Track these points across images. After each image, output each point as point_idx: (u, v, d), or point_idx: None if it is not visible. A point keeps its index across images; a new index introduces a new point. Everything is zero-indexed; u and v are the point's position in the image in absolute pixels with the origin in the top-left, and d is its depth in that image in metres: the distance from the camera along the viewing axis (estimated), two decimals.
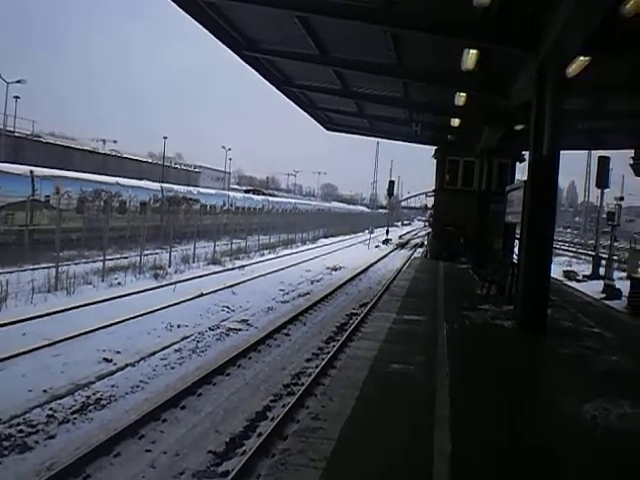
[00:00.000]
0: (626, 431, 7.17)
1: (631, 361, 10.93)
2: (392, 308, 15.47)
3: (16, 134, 58.75)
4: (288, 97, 27.91)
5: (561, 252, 58.18)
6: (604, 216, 36.80)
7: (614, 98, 21.28)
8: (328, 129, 37.34)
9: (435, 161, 34.80)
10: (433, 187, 36.88)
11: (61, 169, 36.75)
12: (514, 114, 19.51)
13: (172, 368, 12.37)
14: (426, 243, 36.88)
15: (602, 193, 37.78)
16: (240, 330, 16.21)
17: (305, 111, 31.75)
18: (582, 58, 13.42)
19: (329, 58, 19.74)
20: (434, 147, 35.22)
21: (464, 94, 19.97)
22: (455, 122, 25.96)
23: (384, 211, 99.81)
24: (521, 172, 28.18)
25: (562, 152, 32.21)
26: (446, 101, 21.87)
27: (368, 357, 9.99)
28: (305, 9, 15.10)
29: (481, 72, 16.60)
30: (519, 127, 21.13)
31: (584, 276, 34.29)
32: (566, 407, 8.15)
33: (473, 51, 14.65)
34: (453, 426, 6.90)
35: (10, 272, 20.29)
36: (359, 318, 17.42)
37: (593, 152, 44.57)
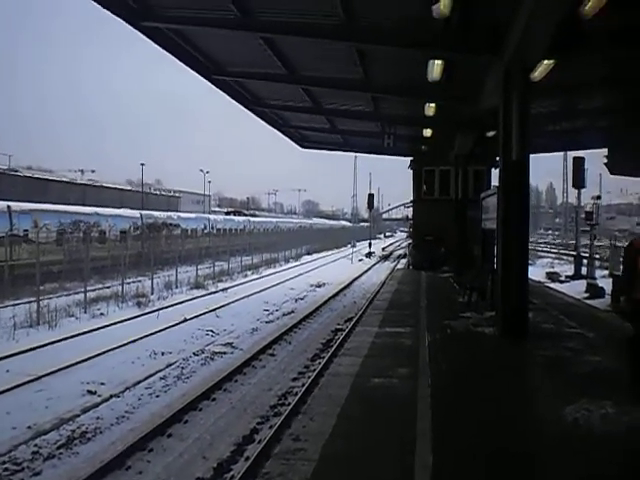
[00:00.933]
0: (607, 432, 7.21)
1: (614, 360, 10.97)
2: (374, 322, 15.49)
3: None
4: (260, 117, 27.95)
5: (543, 254, 58.49)
6: (583, 216, 36.98)
7: (583, 98, 21.50)
8: (303, 147, 37.39)
9: (411, 172, 34.91)
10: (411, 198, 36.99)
11: (40, 202, 36.67)
12: (484, 120, 19.69)
13: (157, 396, 12.31)
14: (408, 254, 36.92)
15: (579, 193, 37.85)
16: (225, 353, 16.16)
17: (278, 130, 31.80)
18: (546, 61, 13.57)
19: (297, 76, 19.82)
20: (410, 158, 35.34)
21: (433, 104, 20.11)
22: (427, 132, 26.10)
23: (366, 224, 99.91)
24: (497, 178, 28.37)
25: (538, 155, 32.78)
26: (416, 112, 22.01)
27: (350, 373, 9.99)
28: (267, 30, 15.18)
29: (448, 81, 16.71)
30: (491, 133, 21.30)
31: (566, 277, 34.46)
32: (547, 410, 8.18)
33: (438, 62, 14.78)
34: (434, 437, 6.92)
35: None
36: (344, 333, 17.41)
37: (569, 153, 44.86)
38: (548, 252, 62.76)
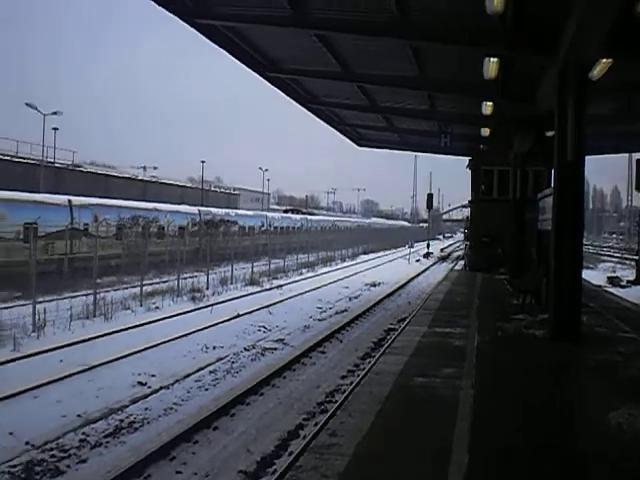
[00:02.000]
0: None
1: None
2: (424, 321, 15.35)
3: (56, 165, 59.87)
4: (316, 115, 27.95)
5: (606, 258, 57.44)
6: None
7: None
8: (360, 145, 37.27)
9: (470, 172, 34.54)
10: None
11: (102, 197, 37.48)
12: (543, 120, 19.31)
13: (206, 390, 12.44)
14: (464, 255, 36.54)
15: None
16: (276, 349, 16.25)
17: (335, 128, 31.76)
18: (604, 60, 13.27)
19: (351, 74, 19.75)
20: (468, 158, 34.98)
21: (490, 103, 19.83)
22: (486, 132, 25.74)
23: (425, 225, 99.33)
24: None
25: (602, 156, 32.16)
26: (474, 111, 21.73)
27: (394, 371, 9.92)
28: (321, 27, 15.18)
29: (504, 80, 16.45)
30: (550, 133, 20.87)
31: (628, 281, 33.79)
32: (592, 414, 7.99)
33: (493, 59, 14.53)
34: (472, 438, 6.82)
35: (50, 300, 20.66)
36: (397, 333, 17.29)
37: (634, 155, 43.84)
38: (611, 256, 61.65)
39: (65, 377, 12.48)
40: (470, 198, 35.51)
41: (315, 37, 16.14)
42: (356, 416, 7.54)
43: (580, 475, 6.21)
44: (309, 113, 27.50)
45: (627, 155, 67.22)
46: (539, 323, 14.33)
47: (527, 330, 13.91)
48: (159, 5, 13.62)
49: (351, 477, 5.82)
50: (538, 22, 12.98)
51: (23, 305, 19.56)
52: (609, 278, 35.02)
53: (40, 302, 18.59)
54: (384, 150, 40.68)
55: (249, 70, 19.30)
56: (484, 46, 14.24)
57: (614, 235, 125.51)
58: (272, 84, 21.67)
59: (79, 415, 10.37)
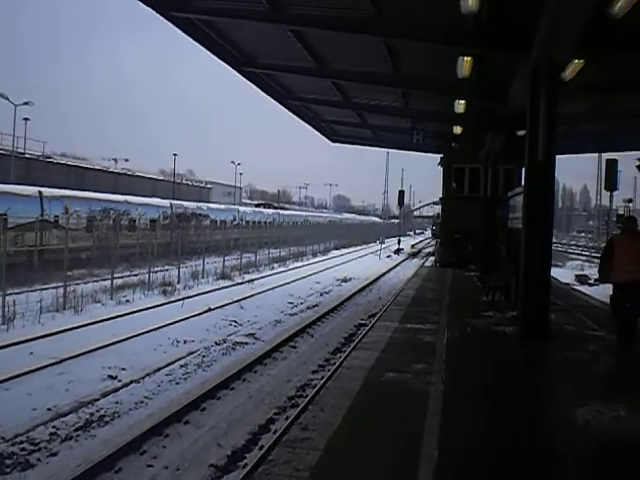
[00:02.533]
0: (618, 433, 7.17)
1: (632, 363, 10.90)
2: (395, 317, 15.47)
3: (27, 156, 59.26)
4: (290, 110, 27.97)
5: (574, 256, 58.07)
6: (615, 219, 36.73)
7: (615, 100, 21.19)
8: (333, 141, 37.36)
9: (441, 169, 34.74)
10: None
11: (73, 189, 37.14)
12: (515, 120, 19.50)
13: (177, 383, 12.43)
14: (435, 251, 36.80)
15: (611, 196, 37.88)
16: (247, 344, 16.25)
17: (309, 124, 31.83)
18: (576, 61, 13.45)
19: (326, 70, 19.80)
20: (440, 155, 35.17)
21: (463, 101, 19.97)
22: (458, 130, 25.87)
23: (396, 221, 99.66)
24: None
25: (572, 156, 32.49)
26: (446, 109, 21.84)
27: (365, 366, 10.02)
28: (296, 23, 15.22)
29: (477, 79, 16.55)
30: (522, 132, 21.07)
31: (595, 280, 34.18)
32: (559, 411, 8.14)
33: (467, 58, 14.62)
34: (442, 433, 6.93)
35: (19, 292, 20.50)
36: (367, 328, 17.38)
37: (604, 155, 44.43)
38: (579, 254, 62.31)
39: (35, 370, 12.38)
40: (441, 195, 35.74)
41: (290, 32, 16.14)
42: (327, 410, 7.62)
43: (546, 471, 6.33)
44: (283, 109, 27.51)
45: (596, 155, 67.89)
46: (508, 320, 14.51)
47: (496, 327, 14.07)
48: None
49: (323, 470, 5.89)
50: (512, 22, 13.13)
51: None
52: (577, 276, 35.45)
53: (9, 294, 18.42)
54: (357, 146, 40.91)
55: (224, 65, 19.30)
56: (458, 45, 14.35)
57: (583, 233, 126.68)
58: (247, 79, 21.63)
59: (49, 408, 10.32)
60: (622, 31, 12.45)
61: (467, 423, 7.47)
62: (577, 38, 11.52)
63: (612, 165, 32.48)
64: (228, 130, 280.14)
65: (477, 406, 8.22)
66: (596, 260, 47.99)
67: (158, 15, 14.67)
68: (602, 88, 18.57)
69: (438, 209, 50.80)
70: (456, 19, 12.44)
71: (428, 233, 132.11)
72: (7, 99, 52.06)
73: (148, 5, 14.17)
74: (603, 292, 25.45)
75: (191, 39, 16.69)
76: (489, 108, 21.47)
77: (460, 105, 20.31)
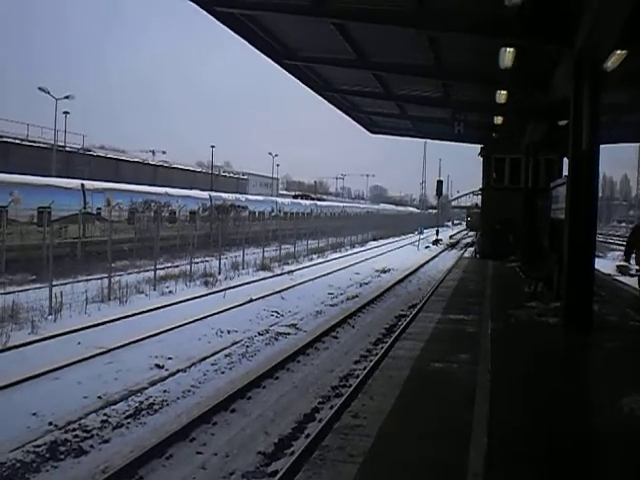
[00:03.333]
0: None
1: None
2: (438, 308, 15.51)
3: (67, 149, 60.06)
4: (330, 102, 27.98)
5: (615, 247, 57.32)
6: None
7: None
8: (372, 132, 37.28)
9: (481, 159, 34.54)
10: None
11: (112, 181, 37.65)
12: (556, 110, 19.35)
13: (222, 373, 12.61)
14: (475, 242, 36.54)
15: None
16: (289, 334, 16.42)
17: (348, 115, 31.76)
18: (619, 52, 13.32)
19: (367, 62, 19.80)
20: (480, 145, 34.95)
21: (504, 92, 19.84)
22: (499, 120, 25.69)
23: (434, 211, 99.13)
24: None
25: (613, 145, 32.08)
26: (488, 99, 21.72)
27: (411, 356, 10.10)
28: (338, 16, 15.25)
29: (520, 69, 16.45)
30: (563, 122, 20.90)
31: (637, 270, 33.74)
32: (603, 401, 8.17)
33: (510, 49, 14.57)
34: (491, 419, 7.00)
35: (64, 284, 20.82)
36: (407, 319, 17.43)
37: None
38: (620, 245, 61.48)
39: (84, 359, 12.67)
40: (481, 186, 35.54)
41: (333, 26, 16.18)
42: (377, 399, 7.73)
43: (591, 454, 6.39)
44: (321, 100, 27.55)
45: (637, 144, 66.86)
46: (551, 311, 14.43)
47: (539, 318, 14.04)
48: None
49: (375, 456, 6.00)
50: (555, 13, 13.01)
51: (39, 288, 19.76)
52: (618, 267, 34.95)
53: (55, 285, 18.75)
54: (395, 137, 40.84)
55: (264, 58, 19.42)
56: (501, 37, 14.30)
57: (623, 224, 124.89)
58: (288, 71, 21.71)
59: (100, 397, 10.55)
60: None
61: (514, 411, 7.56)
62: (620, 29, 11.39)
63: None
64: (264, 122, 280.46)
65: (523, 395, 8.31)
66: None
67: (202, 10, 14.82)
68: None
69: (476, 199, 50.53)
70: (499, 10, 12.39)
71: None
72: (48, 93, 52.67)
73: (193, 1, 14.31)
74: None
75: (234, 33, 16.79)
76: (531, 98, 21.29)
77: (502, 95, 20.19)
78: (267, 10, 15.51)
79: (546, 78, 17.60)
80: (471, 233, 74.68)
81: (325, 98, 26.90)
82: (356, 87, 24.76)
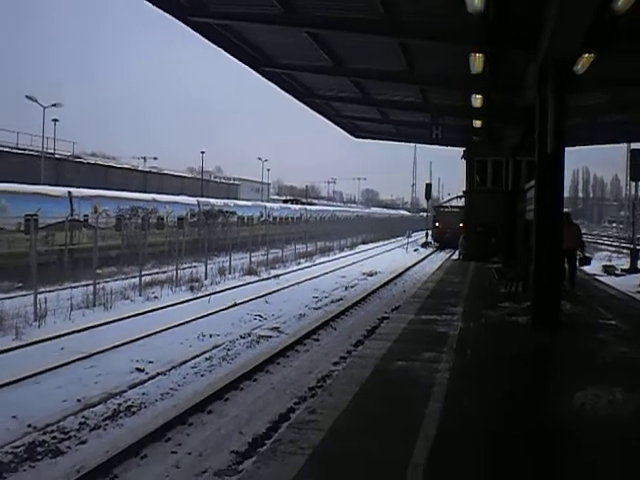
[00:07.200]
0: (610, 415, 7.51)
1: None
2: (411, 309, 15.77)
3: (57, 156, 60.22)
4: (311, 108, 28.07)
5: (603, 247, 57.73)
6: None
7: (634, 91, 21.18)
8: (355, 136, 37.41)
9: (464, 162, 34.80)
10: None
11: (103, 188, 37.90)
12: (531, 112, 19.68)
13: (202, 375, 12.85)
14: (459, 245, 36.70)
15: (637, 186, 37.61)
16: (271, 337, 16.65)
17: (331, 120, 31.91)
18: (587, 55, 13.64)
19: (344, 69, 20.04)
20: (463, 148, 35.20)
21: (479, 96, 20.14)
22: (477, 123, 25.94)
23: (425, 214, 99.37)
24: None
25: (603, 146, 32.35)
26: (465, 103, 21.96)
27: (376, 356, 10.36)
28: (310, 25, 15.58)
29: (491, 74, 16.79)
30: None
31: (622, 270, 34.11)
32: (557, 396, 8.44)
33: (479, 55, 14.89)
34: (442, 415, 7.29)
35: (51, 290, 21.12)
36: (387, 321, 17.66)
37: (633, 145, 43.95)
38: (609, 245, 61.92)
39: (65, 364, 12.91)
40: (464, 188, 35.82)
41: (306, 34, 16.47)
42: (336, 396, 8.04)
43: (531, 447, 6.68)
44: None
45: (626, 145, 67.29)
46: (523, 310, 14.67)
47: (510, 317, 14.28)
48: (153, 4, 13.97)
49: (325, 450, 6.32)
50: (519, 19, 13.32)
51: (25, 295, 20.04)
52: (604, 267, 35.33)
53: (41, 292, 19.02)
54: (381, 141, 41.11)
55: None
56: (466, 43, 14.59)
57: (614, 224, 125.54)
58: (267, 79, 21.88)
59: (79, 400, 10.80)
60: (629, 25, 12.63)
61: (467, 406, 7.81)
62: (583, 33, 11.66)
63: (636, 155, 32.47)
64: (256, 127, 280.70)
65: (478, 391, 8.58)
66: (625, 251, 47.88)
67: (177, 21, 15.12)
68: (618, 80, 18.63)
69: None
70: (464, 17, 12.63)
71: None
72: (36, 101, 52.86)
73: (166, 11, 14.55)
74: (627, 283, 25.72)
75: (210, 42, 17.03)
76: (506, 101, 21.58)
77: (477, 99, 20.48)
78: (239, 20, 15.79)
79: (517, 82, 17.87)
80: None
81: (306, 104, 27.00)
82: (336, 93, 24.88)
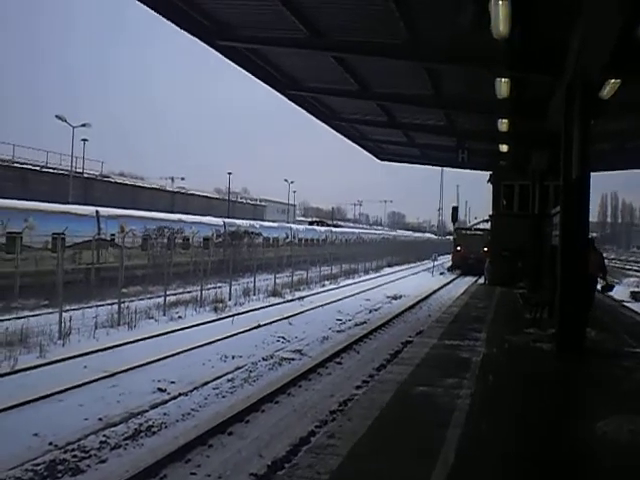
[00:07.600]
0: (630, 443, 7.42)
1: None
2: (435, 334, 15.67)
3: (85, 175, 60.88)
4: (337, 130, 28.32)
5: (632, 273, 57.19)
6: None
7: None
8: (381, 159, 37.39)
9: (490, 186, 34.68)
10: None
11: (131, 208, 38.25)
12: (557, 137, 19.62)
13: (223, 397, 12.83)
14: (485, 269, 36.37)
15: None
16: (293, 359, 16.61)
17: (356, 143, 32.06)
18: (613, 80, 13.61)
19: (369, 92, 20.12)
20: (489, 172, 35.11)
21: (505, 120, 20.13)
22: (504, 147, 25.92)
23: (451, 237, 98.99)
24: None
25: (634, 171, 31.98)
26: (491, 127, 21.98)
27: (398, 380, 10.29)
28: (335, 49, 15.71)
29: (517, 98, 16.77)
30: None
31: None
32: (579, 424, 8.36)
33: (504, 80, 14.92)
34: (462, 442, 7.22)
35: (76, 309, 21.29)
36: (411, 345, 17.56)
37: None
38: (637, 271, 61.35)
39: (88, 383, 13.03)
40: (491, 212, 35.66)
41: (332, 58, 16.61)
42: (355, 420, 7.99)
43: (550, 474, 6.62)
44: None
45: None
46: (548, 337, 14.53)
47: (534, 343, 14.14)
48: (180, 28, 14.19)
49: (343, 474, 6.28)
50: (544, 44, 13.33)
51: (50, 313, 20.25)
52: (632, 293, 34.98)
53: (66, 310, 19.16)
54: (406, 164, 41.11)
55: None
56: (492, 69, 14.62)
57: None
58: (293, 102, 22.14)
59: (100, 419, 10.86)
60: None
61: (487, 433, 7.74)
62: (608, 59, 11.64)
63: None
64: (283, 148, 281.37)
65: (499, 417, 8.51)
66: None
67: (203, 44, 15.31)
68: None
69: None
70: (489, 43, 12.64)
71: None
72: (65, 121, 53.47)
73: (194, 35, 14.75)
74: None
75: (237, 65, 17.24)
76: (532, 126, 21.51)
77: (503, 124, 20.48)
78: (267, 44, 15.98)
79: (544, 107, 17.83)
80: None
81: (332, 127, 27.18)
82: (361, 116, 24.97)
